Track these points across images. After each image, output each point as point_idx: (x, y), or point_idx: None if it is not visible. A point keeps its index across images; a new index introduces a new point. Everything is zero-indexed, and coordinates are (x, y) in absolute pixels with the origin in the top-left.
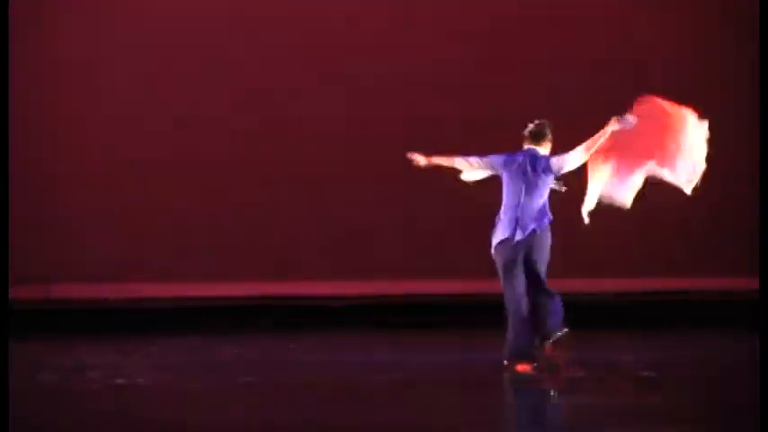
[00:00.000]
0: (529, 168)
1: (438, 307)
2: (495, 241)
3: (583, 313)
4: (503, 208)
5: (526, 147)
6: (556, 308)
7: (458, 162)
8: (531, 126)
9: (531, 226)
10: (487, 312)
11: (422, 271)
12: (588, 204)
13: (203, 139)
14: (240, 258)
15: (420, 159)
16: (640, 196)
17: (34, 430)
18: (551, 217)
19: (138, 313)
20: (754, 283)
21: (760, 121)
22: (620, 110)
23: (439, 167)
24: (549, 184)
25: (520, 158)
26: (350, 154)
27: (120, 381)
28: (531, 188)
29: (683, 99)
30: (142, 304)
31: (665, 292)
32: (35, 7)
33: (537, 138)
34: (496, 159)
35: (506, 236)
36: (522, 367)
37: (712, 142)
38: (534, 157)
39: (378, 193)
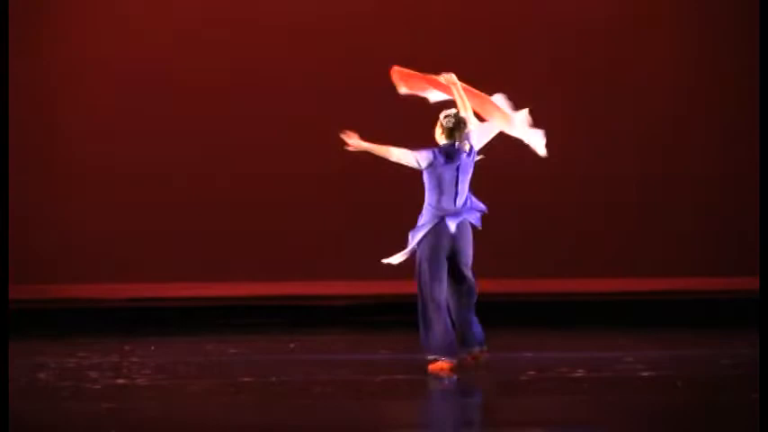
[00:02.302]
0: (460, 163)
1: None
2: (440, 239)
3: (585, 313)
4: (438, 206)
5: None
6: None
7: (393, 152)
8: (450, 120)
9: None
10: (489, 312)
11: None
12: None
13: (203, 140)
14: (241, 258)
15: (354, 141)
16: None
17: (35, 430)
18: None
19: (137, 313)
20: (754, 283)
21: (760, 121)
22: (616, 110)
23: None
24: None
25: (445, 154)
26: (349, 153)
27: (120, 381)
28: (463, 183)
29: (682, 99)
30: (142, 304)
31: (666, 292)
32: (35, 7)
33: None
34: (429, 155)
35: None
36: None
37: (712, 142)
38: (460, 151)
39: (379, 192)
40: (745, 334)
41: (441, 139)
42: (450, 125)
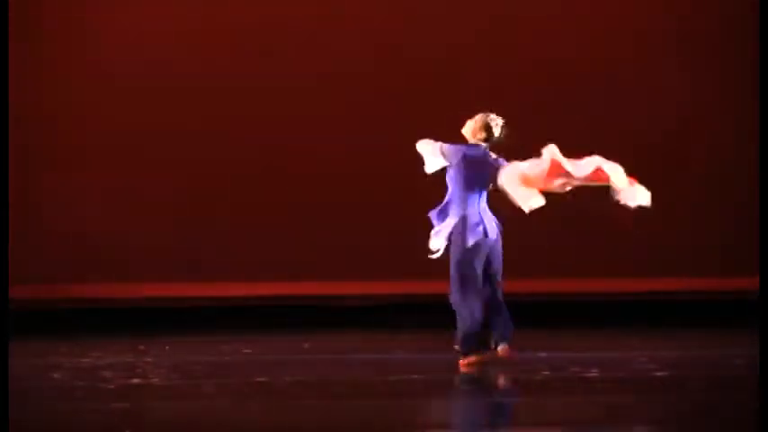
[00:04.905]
0: (488, 165)
1: (448, 306)
2: (472, 239)
3: (598, 313)
4: (464, 204)
5: (476, 142)
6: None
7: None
8: (495, 121)
9: (496, 228)
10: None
11: (433, 272)
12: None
13: (204, 141)
14: (255, 258)
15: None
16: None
17: (49, 430)
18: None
19: (152, 313)
20: (754, 283)
21: (760, 122)
22: (621, 111)
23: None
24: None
25: (480, 153)
26: (355, 153)
27: (134, 381)
28: (486, 187)
29: (683, 98)
30: (157, 304)
31: (666, 293)
32: (35, 8)
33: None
34: (456, 150)
35: (480, 237)
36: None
37: (712, 142)
38: (489, 155)
39: (394, 193)
40: (744, 334)
41: (478, 135)
42: (496, 135)
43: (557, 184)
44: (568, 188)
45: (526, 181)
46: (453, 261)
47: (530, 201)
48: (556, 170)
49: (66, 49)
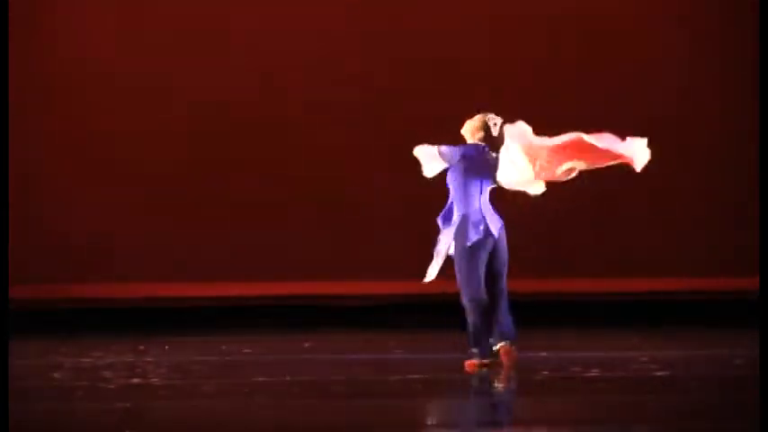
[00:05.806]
0: (488, 164)
1: (449, 306)
2: (474, 238)
3: (599, 312)
4: (466, 204)
5: (475, 142)
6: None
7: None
8: (494, 121)
9: (498, 224)
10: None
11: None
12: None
13: (202, 140)
14: (255, 258)
15: None
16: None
17: (49, 430)
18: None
19: (152, 313)
20: (754, 283)
21: (760, 121)
22: (621, 110)
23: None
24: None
25: (479, 152)
26: (355, 154)
27: (134, 380)
28: (487, 185)
29: (683, 98)
30: (157, 304)
31: (666, 293)
32: (35, 8)
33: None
34: (454, 150)
35: (482, 235)
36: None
37: (713, 141)
38: (488, 154)
39: (383, 192)
40: (744, 334)
41: (476, 134)
42: (495, 134)
43: (564, 168)
44: (573, 175)
45: (528, 148)
46: (456, 260)
47: (531, 186)
48: (570, 150)
49: (66, 48)
